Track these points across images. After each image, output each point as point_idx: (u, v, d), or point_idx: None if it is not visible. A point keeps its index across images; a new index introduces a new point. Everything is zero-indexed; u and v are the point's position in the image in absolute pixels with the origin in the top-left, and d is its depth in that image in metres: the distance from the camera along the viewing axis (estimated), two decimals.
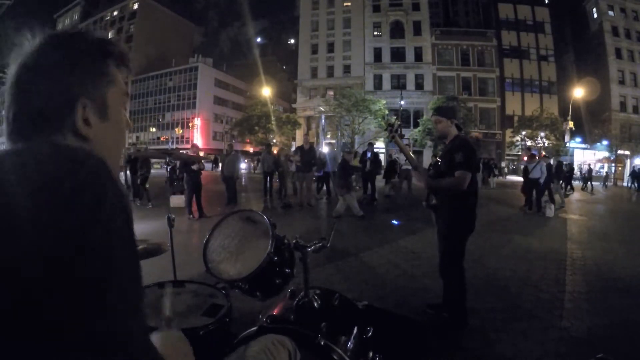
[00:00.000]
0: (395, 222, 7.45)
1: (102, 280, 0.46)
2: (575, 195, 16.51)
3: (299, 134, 43.17)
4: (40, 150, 0.51)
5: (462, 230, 2.75)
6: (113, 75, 0.62)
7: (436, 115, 2.83)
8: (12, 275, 0.41)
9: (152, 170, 10.05)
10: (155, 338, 0.82)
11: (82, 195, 0.46)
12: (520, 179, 11.78)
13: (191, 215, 7.36)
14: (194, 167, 7.49)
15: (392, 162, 12.52)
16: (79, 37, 0.60)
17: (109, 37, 0.67)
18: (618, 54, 39.20)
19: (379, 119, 32.97)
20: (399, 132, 2.85)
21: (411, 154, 3.00)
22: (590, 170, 21.86)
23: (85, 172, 0.49)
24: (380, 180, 11.53)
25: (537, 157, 10.01)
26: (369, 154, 10.39)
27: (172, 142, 52.12)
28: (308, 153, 9.36)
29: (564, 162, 16.07)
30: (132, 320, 0.50)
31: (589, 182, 19.95)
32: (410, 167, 10.26)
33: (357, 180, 12.21)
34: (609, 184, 26.68)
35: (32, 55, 0.56)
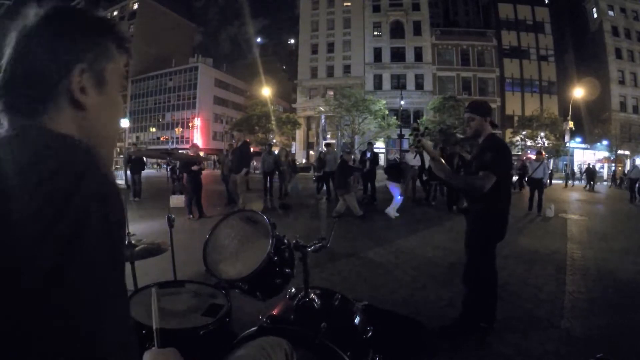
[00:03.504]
0: (395, 214, 7.64)
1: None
2: (574, 195, 16.53)
3: (299, 134, 43.21)
4: (26, 136, 0.51)
5: (485, 237, 2.53)
6: (112, 52, 0.62)
7: (469, 113, 2.60)
8: None
9: (152, 170, 10.07)
10: (147, 358, 0.81)
11: (54, 180, 0.44)
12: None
13: (191, 215, 7.35)
14: (194, 167, 7.49)
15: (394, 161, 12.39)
16: (81, 10, 0.61)
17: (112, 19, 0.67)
18: (618, 54, 39.23)
19: (379, 119, 32.97)
20: (424, 135, 2.62)
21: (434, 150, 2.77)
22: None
23: (63, 156, 0.48)
24: (380, 181, 11.51)
25: (542, 156, 9.98)
26: (368, 154, 10.38)
27: (172, 142, 52.08)
28: (237, 152, 7.97)
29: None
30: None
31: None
32: (416, 166, 10.28)
33: (357, 180, 12.14)
34: (570, 181, 26.80)
35: (33, 24, 0.56)
